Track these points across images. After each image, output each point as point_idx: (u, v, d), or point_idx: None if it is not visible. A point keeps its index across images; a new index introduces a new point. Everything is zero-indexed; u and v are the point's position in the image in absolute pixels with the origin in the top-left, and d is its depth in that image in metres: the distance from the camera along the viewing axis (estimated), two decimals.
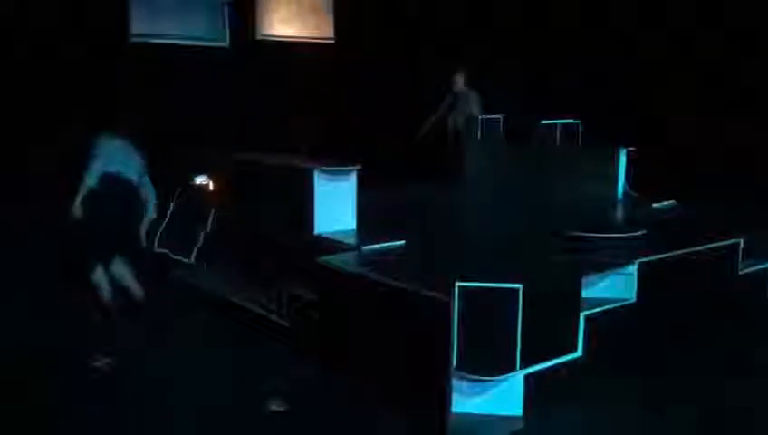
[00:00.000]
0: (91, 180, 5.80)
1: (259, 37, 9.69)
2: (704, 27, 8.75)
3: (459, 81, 8.78)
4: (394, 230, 5.21)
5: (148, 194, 6.04)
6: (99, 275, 5.87)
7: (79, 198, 5.78)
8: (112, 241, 5.92)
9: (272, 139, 7.53)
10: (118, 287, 5.89)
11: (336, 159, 5.58)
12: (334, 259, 4.71)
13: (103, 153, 5.83)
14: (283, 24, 9.92)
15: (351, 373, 4.50)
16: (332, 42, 10.27)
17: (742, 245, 5.39)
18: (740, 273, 5.43)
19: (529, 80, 9.77)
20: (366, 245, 4.87)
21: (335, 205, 5.23)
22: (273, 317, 5.04)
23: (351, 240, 5.01)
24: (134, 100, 6.72)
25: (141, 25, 8.51)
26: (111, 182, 5.80)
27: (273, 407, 4.21)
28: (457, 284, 3.84)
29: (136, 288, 5.99)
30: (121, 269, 5.96)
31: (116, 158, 5.86)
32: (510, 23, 10.25)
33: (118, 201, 5.84)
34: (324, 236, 5.11)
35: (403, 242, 5.01)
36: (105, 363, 4.82)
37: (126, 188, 5.84)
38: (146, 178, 6.02)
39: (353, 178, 5.32)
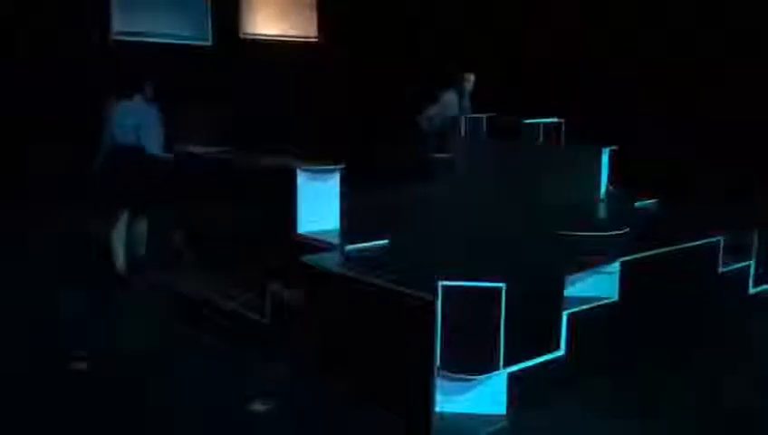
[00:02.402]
0: (102, 151, 5.86)
1: (242, 36, 9.69)
2: (697, 26, 8.81)
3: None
4: (378, 230, 5.20)
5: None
6: (117, 239, 5.90)
7: (99, 162, 5.91)
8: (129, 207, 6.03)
9: (256, 138, 7.51)
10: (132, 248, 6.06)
11: (320, 158, 5.58)
12: (317, 259, 4.70)
13: (114, 118, 5.88)
14: (265, 23, 9.92)
15: (335, 373, 4.50)
16: (315, 40, 10.28)
17: (722, 243, 5.43)
18: (721, 271, 5.48)
19: (513, 78, 9.80)
20: (349, 244, 4.86)
21: (318, 204, 5.23)
22: (257, 318, 5.02)
23: (335, 239, 5.00)
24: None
25: (123, 24, 8.50)
26: (123, 155, 5.84)
27: (256, 407, 4.20)
28: (440, 283, 3.84)
29: (141, 247, 6.12)
30: (139, 230, 6.14)
31: (129, 123, 5.88)
32: (499, 22, 10.29)
33: (129, 176, 5.89)
34: (307, 235, 5.10)
35: (386, 241, 5.01)
36: (83, 365, 4.78)
37: (138, 161, 5.88)
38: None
39: (336, 177, 5.32)
